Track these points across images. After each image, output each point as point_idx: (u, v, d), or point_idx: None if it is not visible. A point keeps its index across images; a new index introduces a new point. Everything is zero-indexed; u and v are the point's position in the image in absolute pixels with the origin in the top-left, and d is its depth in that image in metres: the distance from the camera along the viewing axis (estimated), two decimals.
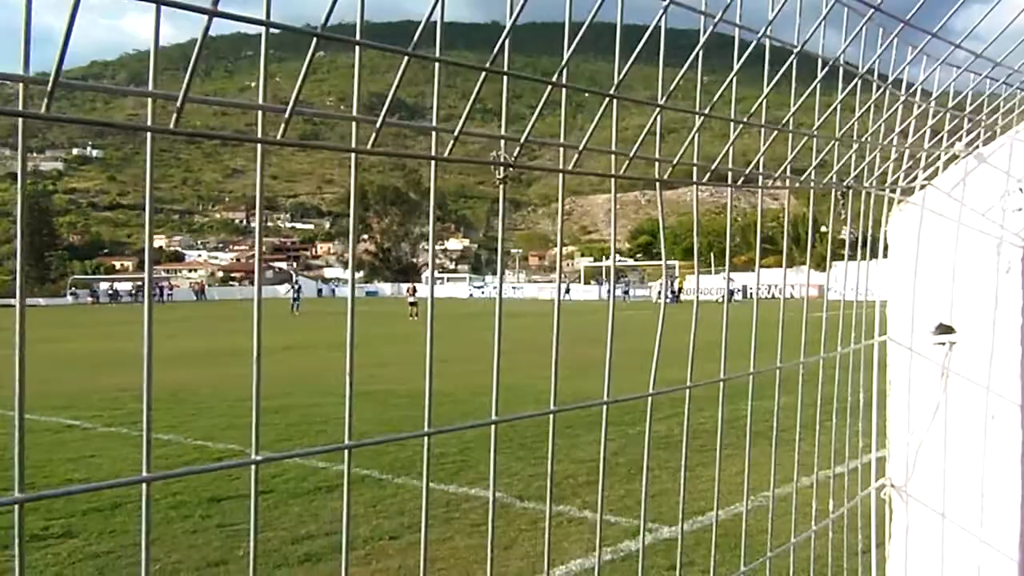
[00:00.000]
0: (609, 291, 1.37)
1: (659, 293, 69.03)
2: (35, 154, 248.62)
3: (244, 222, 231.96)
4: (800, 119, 1.49)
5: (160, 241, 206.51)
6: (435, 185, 1.03)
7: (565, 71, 1.02)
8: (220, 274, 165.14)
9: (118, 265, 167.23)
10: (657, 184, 1.27)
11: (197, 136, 0.83)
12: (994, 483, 1.98)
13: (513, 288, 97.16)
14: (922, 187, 2.06)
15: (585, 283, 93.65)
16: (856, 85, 1.55)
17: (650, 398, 1.48)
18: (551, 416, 1.30)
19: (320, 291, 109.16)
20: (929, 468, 2.10)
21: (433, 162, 1.02)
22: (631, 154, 1.13)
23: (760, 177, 1.44)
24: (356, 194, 0.99)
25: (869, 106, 1.61)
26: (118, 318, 52.00)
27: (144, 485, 0.88)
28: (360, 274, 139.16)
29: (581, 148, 1.06)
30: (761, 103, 1.31)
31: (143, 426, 0.94)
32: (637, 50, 1.06)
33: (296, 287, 65.80)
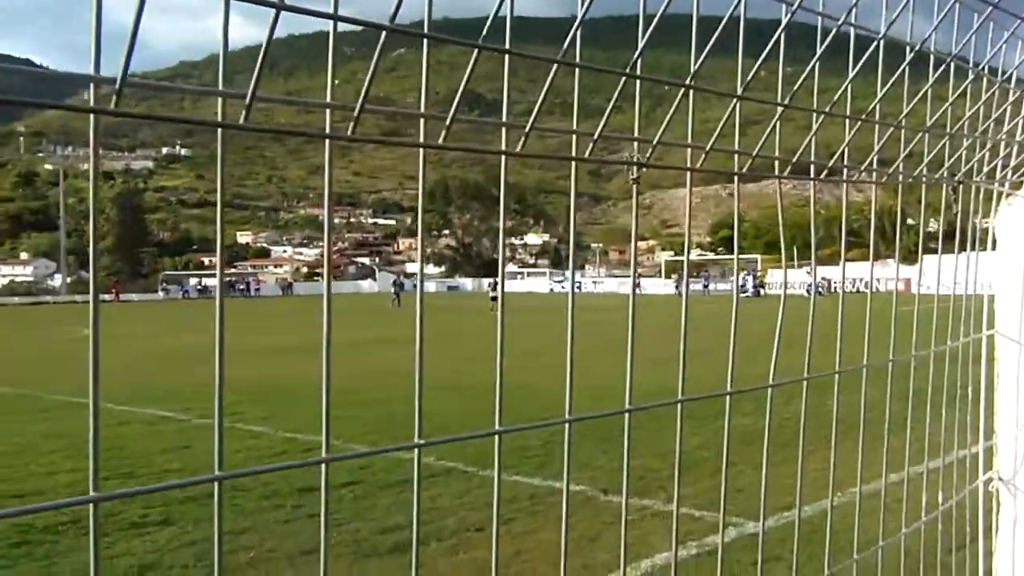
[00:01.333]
0: (684, 285, 1.36)
1: (741, 287, 68.07)
2: (126, 153, 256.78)
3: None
4: (886, 109, 1.47)
5: (246, 237, 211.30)
6: (505, 180, 1.05)
7: (640, 62, 1.02)
8: (305, 269, 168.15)
9: (207, 261, 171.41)
10: (736, 177, 1.26)
11: (264, 131, 0.86)
12: None
13: (594, 283, 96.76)
14: None
15: (665, 277, 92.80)
16: (948, 73, 1.51)
17: (728, 397, 1.47)
18: (627, 415, 1.30)
19: (402, 286, 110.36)
20: None
21: (504, 156, 1.03)
22: (708, 147, 1.13)
23: (845, 170, 1.42)
24: (424, 189, 1.01)
25: (962, 93, 1.57)
26: (208, 312, 53.26)
27: (216, 484, 0.91)
28: (442, 269, 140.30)
29: (656, 142, 1.06)
30: (845, 92, 1.29)
31: (214, 423, 0.97)
32: (713, 39, 1.06)
33: (399, 283, 66.77)
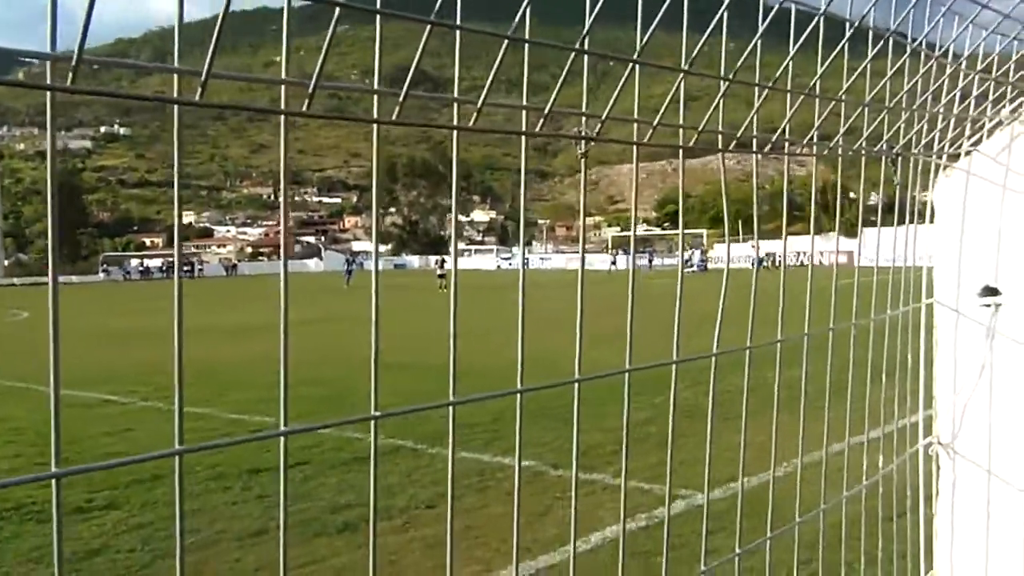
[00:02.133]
0: (631, 260, 1.38)
1: (686, 262, 68.80)
2: (63, 132, 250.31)
3: (272, 197, 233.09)
4: (826, 84, 1.49)
5: (189, 217, 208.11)
6: (457, 156, 1.05)
7: (587, 40, 1.03)
8: (249, 249, 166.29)
9: (148, 242, 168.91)
10: (680, 152, 1.28)
11: (222, 108, 0.85)
12: None
13: (541, 259, 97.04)
14: (967, 153, 2.06)
15: (611, 252, 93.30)
16: (887, 48, 1.54)
17: (675, 366, 1.49)
18: (576, 385, 1.32)
19: (360, 264, 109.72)
20: (975, 426, 2.12)
21: (455, 132, 1.03)
22: (655, 123, 1.14)
23: (787, 144, 1.44)
24: (379, 166, 1.01)
25: (899, 68, 1.60)
26: (149, 294, 52.59)
27: (177, 457, 0.91)
28: (388, 247, 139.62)
29: (604, 117, 1.06)
30: (786, 67, 1.31)
31: (175, 400, 0.96)
32: (659, 16, 1.07)
33: (351, 262, 65.78)
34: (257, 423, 11.29)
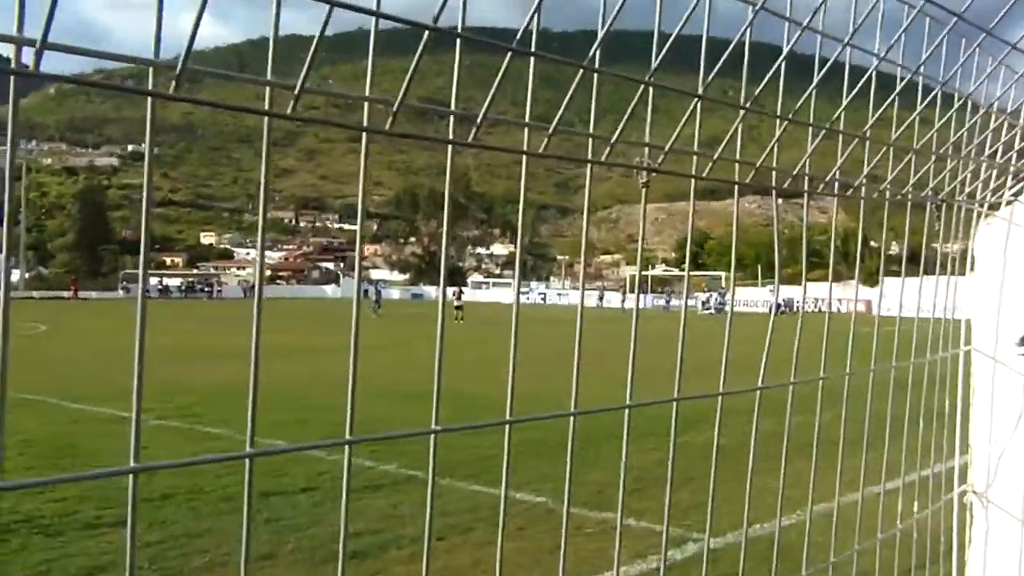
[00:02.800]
0: (635, 299, 1.37)
1: (703, 303, 68.52)
2: (90, 149, 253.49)
3: (293, 221, 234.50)
4: (876, 133, 1.49)
5: (210, 238, 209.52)
6: (451, 168, 1.05)
7: (598, 55, 1.02)
8: (268, 273, 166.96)
9: (169, 261, 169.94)
10: (736, 188, 1.28)
11: (308, 121, 0.86)
12: None
13: (558, 295, 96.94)
14: (1009, 202, 2.06)
15: (630, 291, 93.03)
16: (936, 100, 1.54)
17: (675, 403, 1.46)
18: (571, 418, 1.29)
19: (367, 292, 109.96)
20: (1011, 476, 2.10)
21: (450, 146, 1.03)
22: (715, 156, 1.14)
23: (836, 185, 1.44)
24: (366, 176, 1.00)
25: (948, 119, 1.60)
26: (167, 313, 52.85)
27: (131, 476, 0.90)
28: (406, 276, 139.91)
29: (667, 148, 1.07)
30: (841, 114, 1.31)
31: (132, 417, 0.95)
32: (724, 56, 1.08)
33: (377, 290, 64.60)
34: (270, 445, 11.26)
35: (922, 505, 2.08)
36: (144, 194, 0.85)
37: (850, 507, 1.90)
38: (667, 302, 76.36)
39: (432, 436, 1.10)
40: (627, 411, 1.31)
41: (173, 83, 0.80)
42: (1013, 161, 1.95)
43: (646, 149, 1.07)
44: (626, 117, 1.03)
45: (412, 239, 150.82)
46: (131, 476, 0.87)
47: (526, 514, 8.33)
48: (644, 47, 1.08)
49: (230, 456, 0.96)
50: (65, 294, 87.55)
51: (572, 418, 1.25)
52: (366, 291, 59.84)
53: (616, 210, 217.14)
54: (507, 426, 1.18)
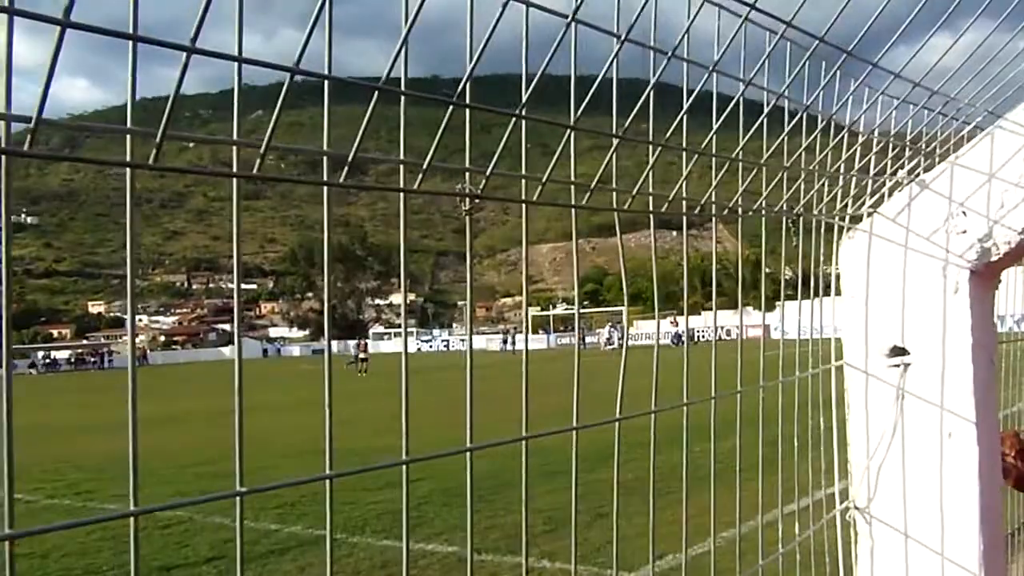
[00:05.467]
0: (576, 325, 1.37)
1: (606, 340, 69.38)
2: None
3: (185, 284, 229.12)
4: (746, 158, 1.53)
5: (99, 307, 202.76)
6: (404, 218, 1.04)
7: (524, 109, 1.04)
8: (162, 338, 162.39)
9: (56, 333, 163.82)
10: (616, 215, 1.29)
11: (173, 171, 0.84)
12: (953, 500, 2.03)
13: (461, 341, 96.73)
14: (869, 214, 2.13)
15: (533, 332, 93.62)
16: (800, 121, 1.60)
17: (575, 432, 1.45)
18: (468, 454, 1.26)
19: (266, 351, 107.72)
20: (890, 489, 2.14)
21: (402, 194, 1.03)
22: (544, 178, 1.15)
23: (713, 206, 1.47)
24: (328, 224, 0.99)
25: (814, 138, 1.66)
26: (57, 386, 50.76)
27: (8, 543, 0.85)
28: (306, 332, 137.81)
29: (489, 172, 1.06)
30: (711, 139, 1.35)
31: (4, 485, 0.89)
32: (593, 88, 1.09)
33: (364, 347, 58.85)
34: (169, 517, 10.86)
35: (805, 527, 2.11)
36: (4, 264, 0.80)
37: (733, 538, 1.92)
38: (578, 340, 77.04)
39: (328, 481, 1.06)
40: (524, 443, 1.28)
41: (28, 138, 0.76)
42: (870, 171, 2.03)
43: (467, 175, 1.07)
44: (498, 152, 1.03)
45: (310, 294, 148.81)
46: (7, 543, 0.82)
47: (439, 565, 8.21)
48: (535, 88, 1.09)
49: (116, 515, 0.91)
50: None
51: (468, 454, 1.21)
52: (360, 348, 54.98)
53: (514, 252, 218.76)
54: (404, 466, 1.14)
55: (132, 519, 0.87)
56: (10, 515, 0.87)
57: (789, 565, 2.06)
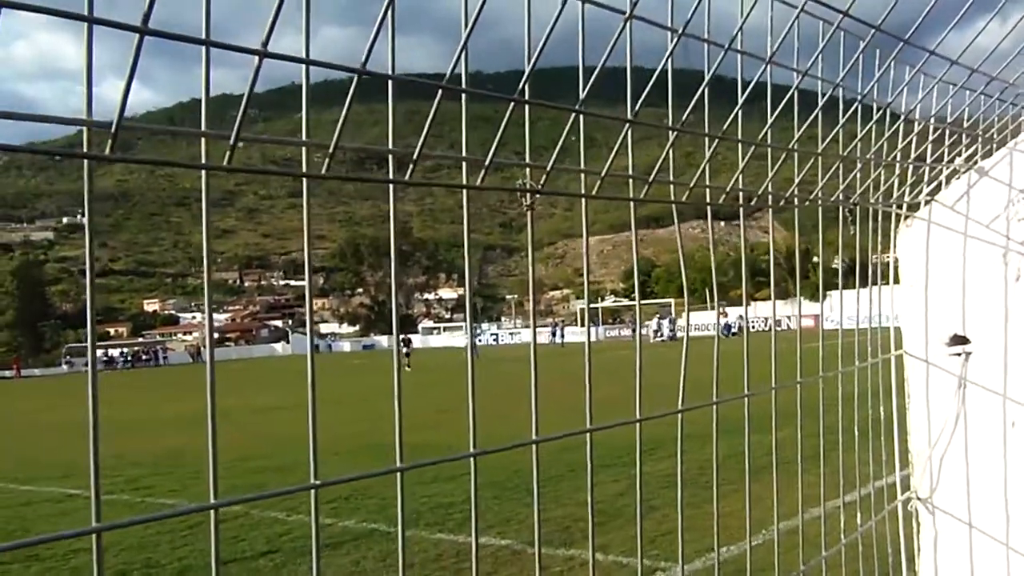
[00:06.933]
0: (637, 317, 1.37)
1: (655, 332, 68.94)
2: (25, 224, 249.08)
3: (238, 282, 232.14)
4: (803, 148, 1.52)
5: (154, 305, 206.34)
6: (467, 216, 1.05)
7: (582, 105, 1.05)
8: (216, 335, 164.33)
9: (112, 331, 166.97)
10: (674, 208, 1.29)
11: (245, 172, 0.86)
12: (1018, 489, 1.99)
13: (510, 335, 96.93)
14: (927, 203, 2.10)
15: (581, 325, 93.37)
16: (856, 110, 1.59)
17: (638, 424, 1.45)
18: (534, 446, 1.28)
19: (317, 347, 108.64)
20: (953, 479, 2.11)
21: (465, 191, 1.04)
22: (603, 173, 1.15)
23: (770, 198, 1.46)
24: (394, 228, 1.01)
25: (870, 128, 1.65)
26: (114, 383, 51.73)
27: (95, 536, 0.88)
28: (356, 328, 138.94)
29: (549, 167, 1.07)
30: (767, 131, 1.34)
31: (91, 481, 0.92)
32: (650, 83, 1.09)
33: (408, 343, 60.36)
34: (226, 512, 11.04)
35: (867, 518, 2.09)
36: (88, 263, 0.83)
37: (793, 530, 1.90)
38: (619, 332, 76.74)
39: (398, 475, 1.08)
40: (588, 435, 1.30)
41: (110, 143, 0.79)
42: (928, 159, 2.00)
43: (527, 171, 1.08)
44: (558, 146, 1.04)
45: (359, 290, 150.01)
46: (94, 536, 0.85)
47: (491, 558, 8.24)
48: (578, 83, 1.10)
49: (197, 507, 0.94)
50: (8, 373, 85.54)
51: (534, 447, 1.23)
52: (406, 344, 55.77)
53: (562, 245, 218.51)
54: (472, 459, 1.16)
55: (212, 511, 0.90)
56: (96, 510, 0.90)
57: (850, 556, 2.04)
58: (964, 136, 2.00)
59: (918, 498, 2.20)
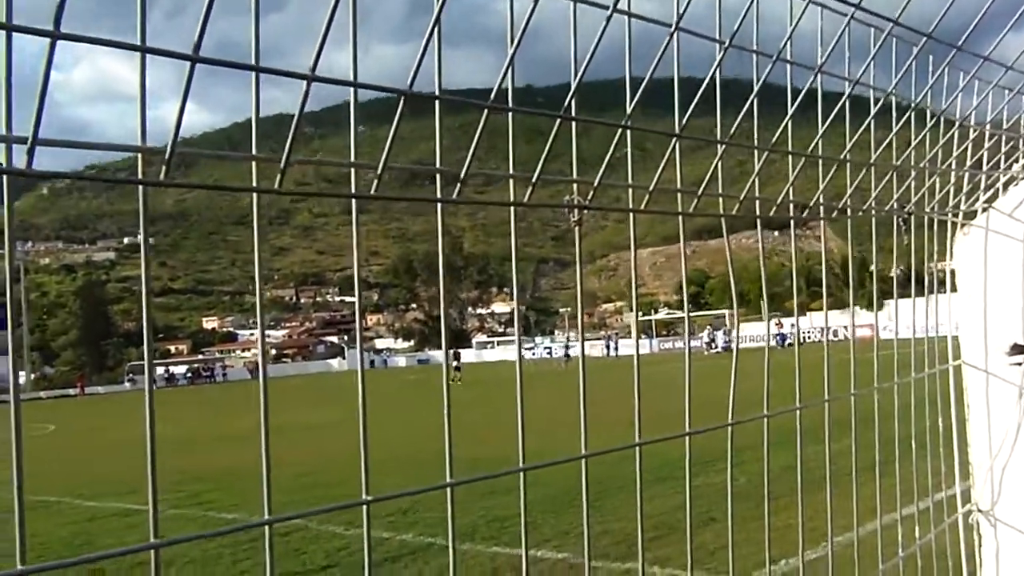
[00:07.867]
0: (686, 330, 1.37)
1: (708, 343, 68.33)
2: (87, 245, 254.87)
3: (294, 299, 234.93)
4: (855, 155, 1.51)
5: (213, 323, 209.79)
6: (515, 231, 1.06)
7: (629, 119, 1.05)
8: (272, 352, 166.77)
9: (173, 349, 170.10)
10: (723, 221, 1.29)
11: (295, 195, 0.87)
12: None
13: (563, 348, 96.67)
14: (984, 210, 2.06)
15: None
16: (909, 117, 1.57)
17: (687, 438, 1.45)
18: (583, 462, 1.28)
19: (372, 362, 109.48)
20: (1015, 490, 2.07)
21: (513, 208, 1.05)
22: (651, 187, 1.15)
23: (822, 208, 1.45)
24: (360, 242, 1.01)
25: (924, 136, 1.63)
26: (175, 400, 52.60)
27: (153, 552, 0.90)
28: (411, 343, 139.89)
29: (596, 183, 1.08)
30: (818, 141, 1.33)
31: (149, 496, 0.95)
32: (698, 96, 1.09)
33: (457, 356, 61.91)
34: (286, 527, 11.15)
35: (926, 530, 2.05)
36: (143, 284, 0.85)
37: (866, 537, 1.87)
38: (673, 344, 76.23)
39: (448, 490, 1.10)
40: (638, 449, 1.30)
41: (163, 168, 0.81)
42: (984, 166, 1.96)
43: (575, 186, 1.08)
44: (606, 161, 1.04)
45: (413, 305, 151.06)
46: (153, 552, 0.87)
47: (548, 572, 8.21)
48: (625, 95, 1.10)
49: (253, 524, 0.96)
50: (72, 391, 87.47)
51: (584, 462, 1.24)
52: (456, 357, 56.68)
53: (614, 258, 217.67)
54: (522, 473, 1.17)
55: (267, 527, 0.91)
56: (154, 526, 0.92)
57: (909, 570, 2.01)
58: (1021, 142, 1.96)
59: (979, 510, 2.16)
